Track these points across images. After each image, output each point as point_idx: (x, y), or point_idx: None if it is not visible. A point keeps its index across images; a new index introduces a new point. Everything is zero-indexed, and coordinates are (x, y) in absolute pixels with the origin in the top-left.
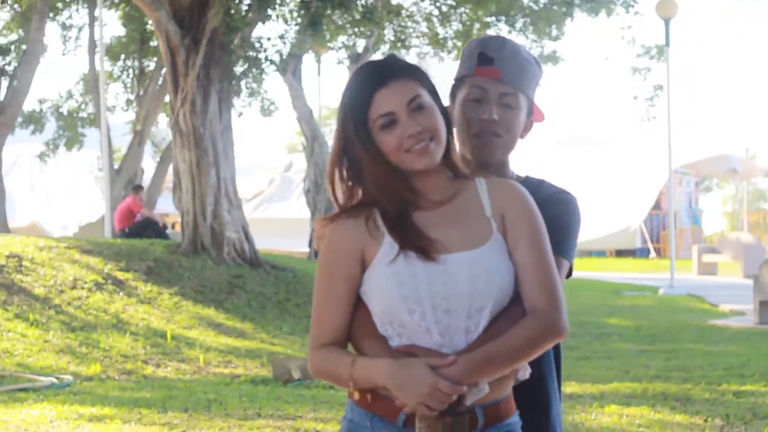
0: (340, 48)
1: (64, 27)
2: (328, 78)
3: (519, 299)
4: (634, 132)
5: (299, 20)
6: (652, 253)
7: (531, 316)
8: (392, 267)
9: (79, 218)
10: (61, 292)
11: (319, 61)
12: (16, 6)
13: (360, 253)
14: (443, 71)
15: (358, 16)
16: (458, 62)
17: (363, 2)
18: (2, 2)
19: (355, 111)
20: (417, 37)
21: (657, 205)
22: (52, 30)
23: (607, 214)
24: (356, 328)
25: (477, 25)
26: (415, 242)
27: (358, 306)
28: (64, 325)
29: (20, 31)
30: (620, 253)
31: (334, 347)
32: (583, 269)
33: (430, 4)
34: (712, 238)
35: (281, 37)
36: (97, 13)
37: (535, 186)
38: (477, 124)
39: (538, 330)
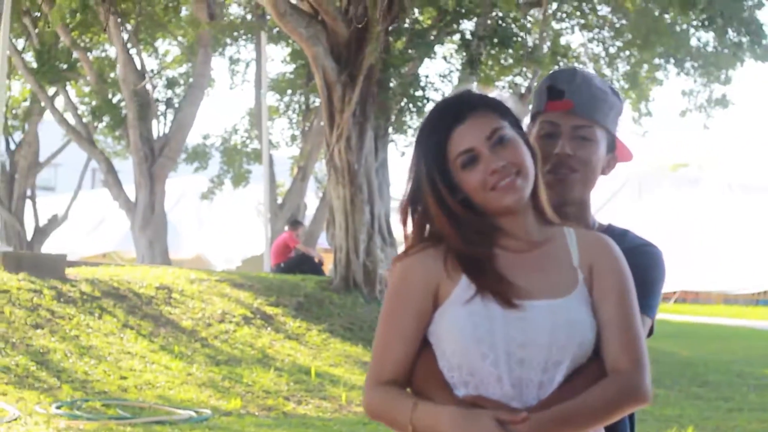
0: (503, 88)
1: (232, 61)
2: None
3: (599, 358)
4: None
5: (461, 59)
6: None
7: (612, 377)
8: (468, 307)
9: (244, 252)
10: (209, 325)
11: None
12: (182, 39)
13: (434, 289)
14: None
15: (520, 55)
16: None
17: (526, 42)
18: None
19: (431, 152)
20: None
21: None
22: (221, 64)
23: None
24: (419, 373)
25: (645, 67)
26: (494, 286)
27: (422, 349)
28: (208, 358)
29: (189, 64)
30: None
31: (393, 387)
32: (747, 318)
33: (597, 46)
34: None
35: (443, 76)
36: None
37: (618, 236)
38: (551, 160)
39: (619, 392)
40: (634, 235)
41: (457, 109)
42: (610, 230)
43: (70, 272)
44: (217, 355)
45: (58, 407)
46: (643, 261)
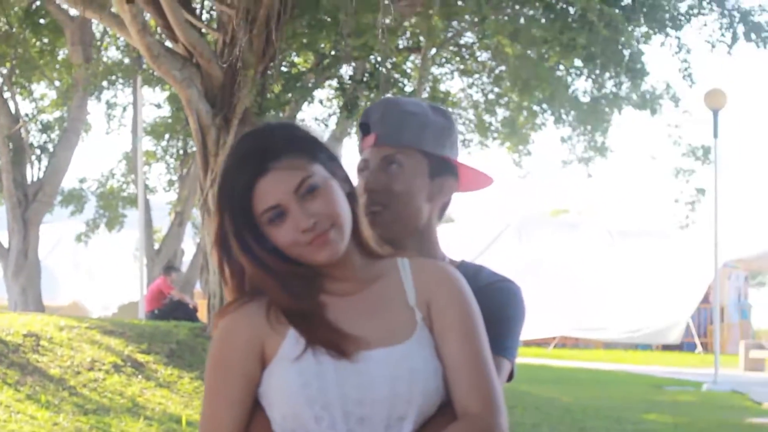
0: None
1: (109, 106)
2: None
3: (450, 407)
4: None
5: (337, 103)
6: (699, 348)
7: (461, 422)
8: (297, 365)
9: (120, 298)
10: (78, 373)
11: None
12: (58, 83)
13: (259, 348)
14: (488, 157)
15: None
16: (501, 149)
17: (404, 87)
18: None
19: (236, 207)
20: (462, 123)
21: (705, 299)
22: (97, 108)
23: (655, 307)
24: None
25: (524, 113)
26: (325, 336)
27: (254, 412)
28: (77, 407)
29: (65, 108)
30: (666, 347)
31: None
32: (627, 362)
33: (477, 92)
34: (760, 334)
35: (321, 120)
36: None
37: (472, 273)
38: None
39: None
40: (489, 271)
41: (259, 158)
42: (463, 267)
43: None
44: (85, 404)
45: None
46: (499, 298)
